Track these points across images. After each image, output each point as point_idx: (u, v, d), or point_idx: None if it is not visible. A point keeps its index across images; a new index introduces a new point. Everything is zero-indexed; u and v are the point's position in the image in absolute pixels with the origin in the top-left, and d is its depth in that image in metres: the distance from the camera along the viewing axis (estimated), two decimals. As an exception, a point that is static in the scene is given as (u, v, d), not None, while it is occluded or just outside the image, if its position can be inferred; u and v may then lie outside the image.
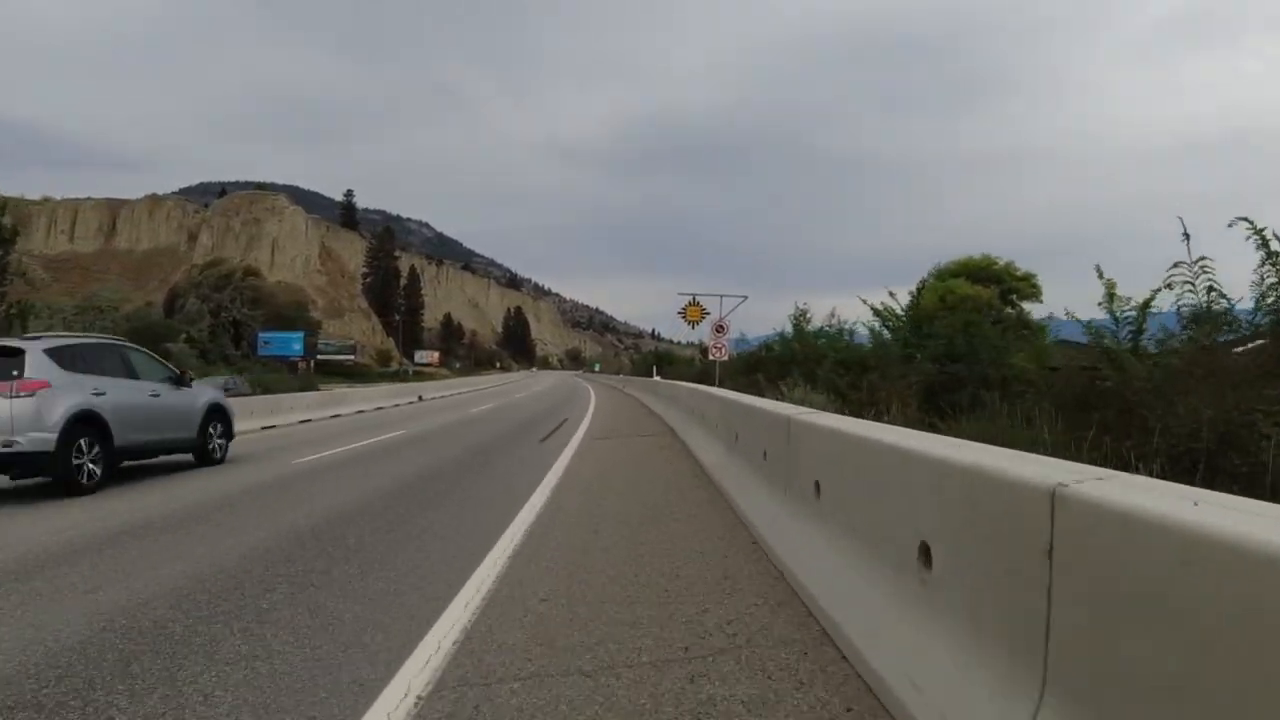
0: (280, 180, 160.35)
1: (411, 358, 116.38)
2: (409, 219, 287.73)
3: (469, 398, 34.43)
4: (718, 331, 22.04)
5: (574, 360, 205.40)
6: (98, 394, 8.55)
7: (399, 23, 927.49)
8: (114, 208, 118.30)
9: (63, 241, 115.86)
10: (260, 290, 76.45)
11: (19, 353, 8.05)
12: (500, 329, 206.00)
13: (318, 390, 35.32)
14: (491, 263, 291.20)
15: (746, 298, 23.82)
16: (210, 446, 10.61)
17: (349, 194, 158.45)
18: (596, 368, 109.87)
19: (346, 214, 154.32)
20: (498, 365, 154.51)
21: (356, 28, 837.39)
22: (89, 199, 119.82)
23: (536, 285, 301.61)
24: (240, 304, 72.39)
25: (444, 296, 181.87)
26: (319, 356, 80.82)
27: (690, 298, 23.70)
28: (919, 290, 31.34)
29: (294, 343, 67.07)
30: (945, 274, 32.92)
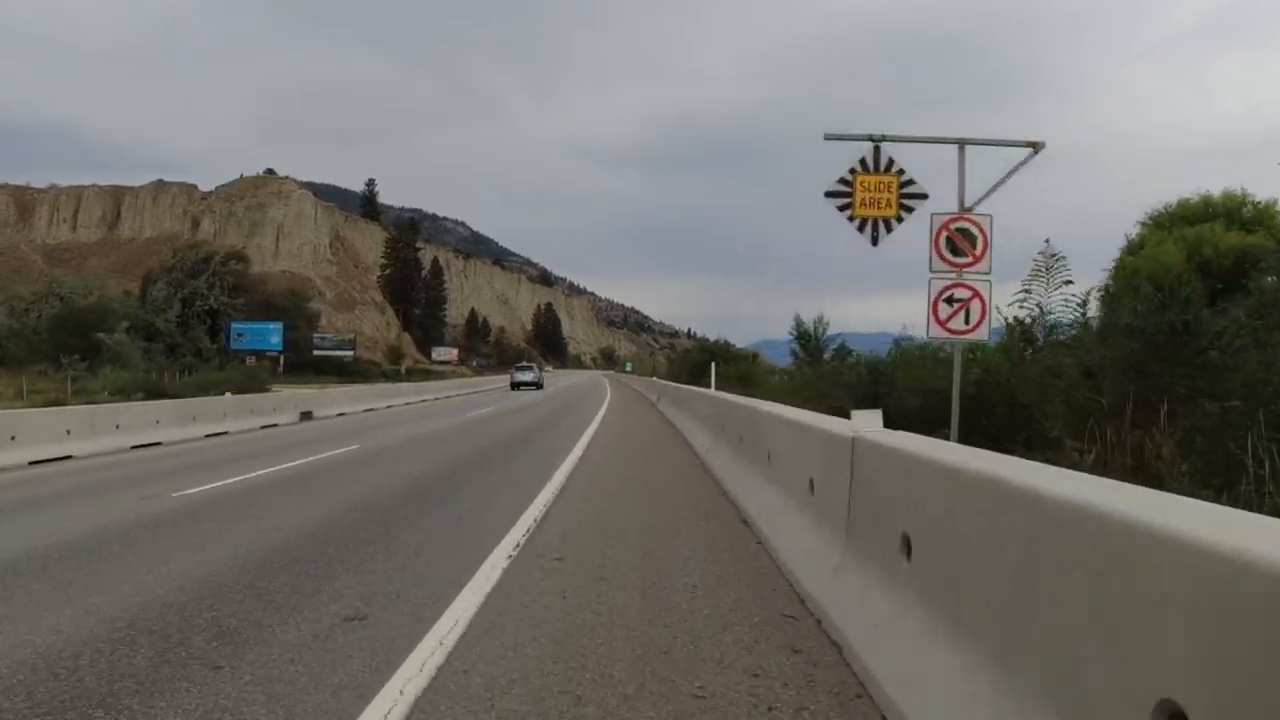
0: (316, 180, 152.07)
1: (429, 355, 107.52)
2: (445, 217, 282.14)
3: (390, 418, 20.93)
4: (956, 253, 7.17)
5: (608, 359, 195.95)
6: (540, 372, 56.77)
7: (436, 26, 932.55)
8: (118, 195, 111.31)
9: (65, 230, 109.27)
10: (245, 277, 67.42)
11: (532, 364, 60.92)
12: (530, 326, 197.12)
13: (265, 393, 27.00)
14: (526, 261, 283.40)
15: (1042, 145, 7.25)
16: (543, 384, 51.62)
17: (370, 183, 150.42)
18: (629, 368, 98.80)
19: (367, 204, 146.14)
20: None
21: (394, 30, 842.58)
22: (93, 186, 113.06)
23: (571, 284, 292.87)
24: (220, 291, 63.44)
25: (472, 292, 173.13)
26: (315, 352, 71.72)
27: (870, 147, 7.63)
28: (1128, 250, 20.23)
29: (271, 335, 57.72)
30: (1166, 220, 21.72)
